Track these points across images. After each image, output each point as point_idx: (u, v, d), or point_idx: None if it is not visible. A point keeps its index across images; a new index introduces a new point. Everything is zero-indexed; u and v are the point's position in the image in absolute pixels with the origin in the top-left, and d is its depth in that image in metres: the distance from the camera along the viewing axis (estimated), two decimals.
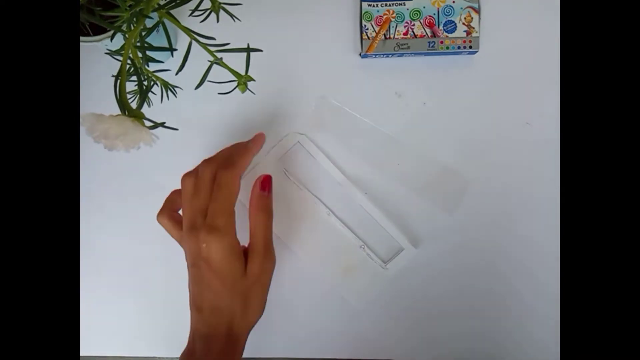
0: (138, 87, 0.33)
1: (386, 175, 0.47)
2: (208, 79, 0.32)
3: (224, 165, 0.36)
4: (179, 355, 0.39)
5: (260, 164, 0.47)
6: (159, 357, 0.48)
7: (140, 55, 0.32)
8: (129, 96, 0.30)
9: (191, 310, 0.37)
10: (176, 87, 0.40)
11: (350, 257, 0.47)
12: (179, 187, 0.39)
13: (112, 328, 0.48)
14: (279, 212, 0.47)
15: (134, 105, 0.30)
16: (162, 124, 0.29)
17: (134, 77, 0.33)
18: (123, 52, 0.28)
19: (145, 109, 0.30)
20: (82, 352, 0.47)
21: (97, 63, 0.46)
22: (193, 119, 0.47)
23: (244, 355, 0.47)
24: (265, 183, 0.38)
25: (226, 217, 0.35)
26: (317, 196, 0.47)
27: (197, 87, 0.33)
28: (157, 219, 0.39)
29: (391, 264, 0.46)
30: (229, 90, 0.34)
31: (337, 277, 0.47)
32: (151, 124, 0.30)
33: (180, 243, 0.39)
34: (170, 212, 0.40)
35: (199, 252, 0.35)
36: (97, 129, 0.26)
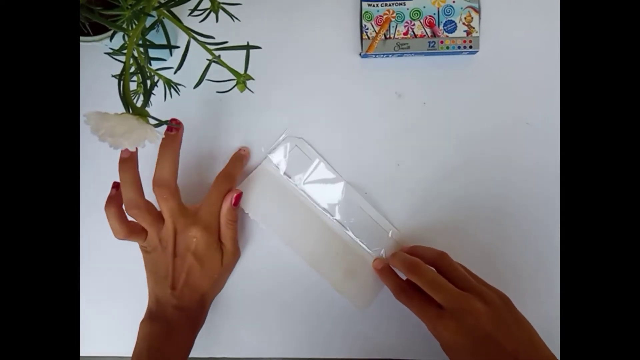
0: (142, 85, 0.33)
1: (386, 175, 0.47)
2: (208, 78, 0.32)
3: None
4: None
5: (259, 167, 0.47)
6: None
7: (142, 53, 0.32)
8: None
9: (160, 288, 0.43)
10: (179, 84, 0.40)
11: (350, 258, 0.47)
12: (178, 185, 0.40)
13: (112, 328, 0.48)
14: (280, 214, 0.47)
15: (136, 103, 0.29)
16: (167, 122, 0.29)
17: (134, 77, 0.33)
18: (124, 51, 0.28)
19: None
20: (82, 352, 0.47)
21: (97, 63, 0.46)
22: (191, 118, 0.47)
23: (245, 356, 0.47)
24: (237, 200, 0.44)
25: (214, 220, 0.44)
26: (316, 198, 0.47)
27: (195, 86, 0.33)
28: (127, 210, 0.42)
29: None
30: (227, 89, 0.34)
31: (338, 277, 0.47)
32: (155, 121, 0.30)
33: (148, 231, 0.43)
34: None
35: (188, 245, 0.42)
36: (102, 127, 0.26)
